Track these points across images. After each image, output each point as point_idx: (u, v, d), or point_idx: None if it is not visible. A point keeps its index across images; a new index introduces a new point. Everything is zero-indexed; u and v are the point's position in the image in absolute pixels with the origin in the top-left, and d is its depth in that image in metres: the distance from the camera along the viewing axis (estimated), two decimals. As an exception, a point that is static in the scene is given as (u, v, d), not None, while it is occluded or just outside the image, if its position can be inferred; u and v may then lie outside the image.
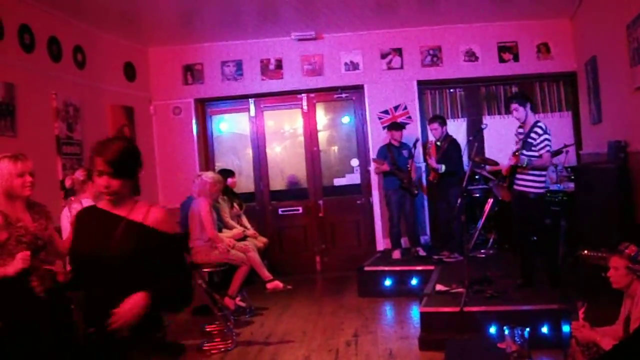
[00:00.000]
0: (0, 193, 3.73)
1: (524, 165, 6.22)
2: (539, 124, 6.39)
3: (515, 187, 6.46)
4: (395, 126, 9.06)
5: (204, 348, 6.53)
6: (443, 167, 8.44)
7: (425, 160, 9.11)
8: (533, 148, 6.28)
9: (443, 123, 8.82)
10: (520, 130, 6.56)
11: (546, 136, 6.29)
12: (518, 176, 6.41)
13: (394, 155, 8.85)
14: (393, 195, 8.83)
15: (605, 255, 5.07)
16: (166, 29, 9.25)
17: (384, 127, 9.63)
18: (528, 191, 6.33)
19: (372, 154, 9.90)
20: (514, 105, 6.47)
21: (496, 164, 7.77)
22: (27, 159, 3.94)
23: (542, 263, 6.56)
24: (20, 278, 3.60)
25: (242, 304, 7.84)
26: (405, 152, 8.91)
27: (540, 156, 6.26)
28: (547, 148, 6.27)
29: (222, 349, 6.49)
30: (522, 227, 6.60)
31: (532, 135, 6.32)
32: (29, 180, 3.85)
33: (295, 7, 8.55)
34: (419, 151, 9.36)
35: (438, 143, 8.73)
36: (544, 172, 6.47)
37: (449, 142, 8.67)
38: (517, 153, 6.29)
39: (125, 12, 8.23)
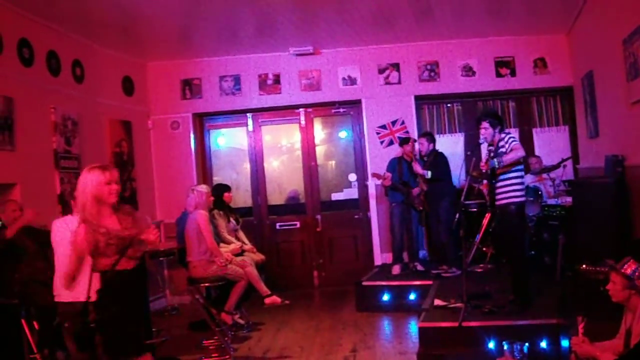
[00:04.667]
0: (90, 198, 4.04)
1: (497, 166, 6.18)
2: (504, 132, 6.42)
3: (497, 202, 6.42)
4: (407, 140, 9.07)
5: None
6: (429, 173, 8.51)
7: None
8: (505, 154, 6.22)
9: (431, 140, 8.92)
10: (491, 149, 6.49)
11: (511, 135, 6.31)
12: (498, 190, 6.36)
13: (403, 170, 8.85)
14: (396, 209, 8.83)
15: (604, 269, 5.07)
16: (164, 43, 9.28)
17: (398, 144, 9.49)
18: (509, 202, 6.27)
19: (370, 169, 9.90)
20: (485, 124, 6.41)
21: None
22: (114, 169, 4.28)
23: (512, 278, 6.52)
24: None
25: (241, 321, 7.80)
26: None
27: (511, 150, 6.16)
28: (514, 141, 6.19)
29: (220, 364, 6.48)
30: (509, 243, 6.59)
31: (500, 143, 6.30)
32: (115, 188, 4.17)
33: (293, 22, 8.59)
34: None
35: (425, 158, 8.81)
36: (521, 179, 6.38)
37: (435, 155, 8.78)
38: (487, 161, 6.28)
39: (124, 27, 8.25)
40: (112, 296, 4.03)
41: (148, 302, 6.58)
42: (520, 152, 6.15)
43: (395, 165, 8.93)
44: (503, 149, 6.23)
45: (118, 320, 4.04)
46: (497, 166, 6.18)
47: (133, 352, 4.05)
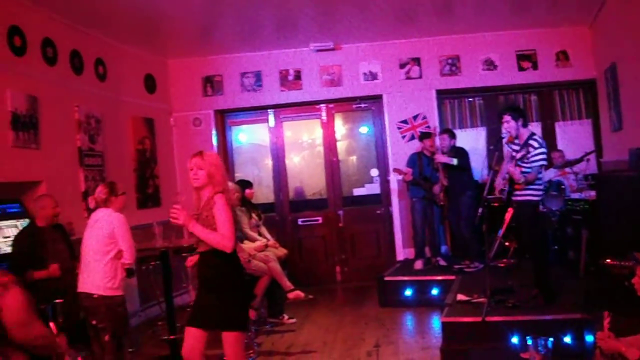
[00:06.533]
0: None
1: (520, 182, 6.14)
2: (534, 136, 6.25)
3: (514, 197, 6.37)
4: (427, 135, 9.07)
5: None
6: (455, 160, 8.49)
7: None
8: (526, 160, 6.17)
9: (452, 136, 8.88)
10: (516, 142, 6.36)
11: (542, 150, 6.13)
12: (516, 187, 6.31)
13: (423, 165, 8.84)
14: (417, 204, 8.83)
15: (629, 264, 5.03)
16: (186, 40, 9.34)
17: (418, 138, 9.48)
18: (527, 200, 6.23)
19: (392, 164, 9.88)
20: (506, 117, 6.30)
21: None
22: (196, 156, 4.48)
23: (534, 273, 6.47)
24: None
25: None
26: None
27: (532, 169, 6.13)
28: (541, 163, 6.13)
29: (244, 360, 6.50)
30: (528, 239, 6.56)
31: (529, 148, 6.19)
32: (194, 173, 4.43)
33: (313, 18, 8.60)
34: None
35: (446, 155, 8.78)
36: (541, 181, 6.35)
37: (455, 150, 8.74)
38: (516, 164, 6.23)
39: (146, 25, 8.31)
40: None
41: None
42: (534, 177, 6.14)
43: (415, 160, 8.92)
44: (529, 154, 6.15)
45: (197, 292, 4.56)
46: (521, 182, 6.13)
47: (189, 322, 4.45)
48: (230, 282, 4.47)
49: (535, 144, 6.16)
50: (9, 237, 6.09)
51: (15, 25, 6.57)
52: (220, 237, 4.33)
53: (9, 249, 5.91)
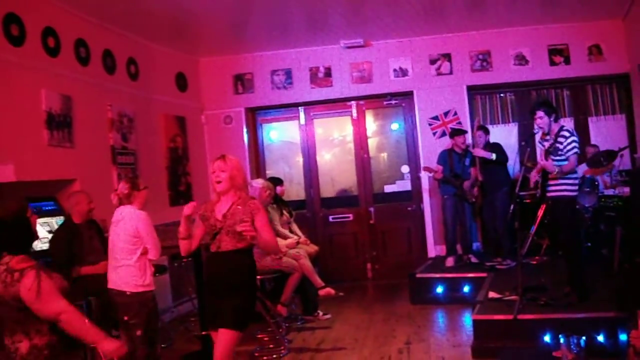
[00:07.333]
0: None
1: (555, 173, 6.10)
2: (564, 128, 6.24)
3: (549, 194, 6.32)
4: (458, 132, 9.02)
5: (256, 355, 6.58)
6: (494, 155, 8.48)
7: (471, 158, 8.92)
8: (560, 152, 6.12)
9: (487, 132, 8.91)
10: (547, 138, 6.34)
11: (573, 138, 6.13)
12: (551, 182, 6.26)
13: (453, 162, 8.80)
14: (448, 201, 8.78)
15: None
16: (216, 39, 9.39)
17: (449, 135, 9.41)
18: (562, 195, 6.20)
19: (423, 160, 9.85)
20: (540, 113, 6.28)
21: None
22: (220, 159, 4.57)
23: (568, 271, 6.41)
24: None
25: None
26: (467, 160, 8.81)
27: (567, 159, 6.10)
28: (575, 151, 6.08)
29: (275, 356, 6.54)
30: (563, 236, 6.49)
31: (560, 139, 6.16)
32: (215, 176, 4.52)
33: (343, 15, 8.60)
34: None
35: None
36: (576, 173, 6.30)
37: (491, 146, 8.74)
38: (548, 156, 6.19)
39: (177, 24, 8.37)
40: (205, 271, 4.63)
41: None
42: (574, 166, 6.11)
43: (446, 157, 8.87)
44: (560, 145, 6.13)
45: (205, 293, 4.67)
46: (555, 173, 6.09)
47: (207, 325, 4.64)
48: (247, 281, 4.57)
49: (567, 134, 6.17)
50: (45, 237, 6.18)
51: (49, 27, 6.67)
52: (274, 241, 4.73)
53: (44, 246, 5.99)
